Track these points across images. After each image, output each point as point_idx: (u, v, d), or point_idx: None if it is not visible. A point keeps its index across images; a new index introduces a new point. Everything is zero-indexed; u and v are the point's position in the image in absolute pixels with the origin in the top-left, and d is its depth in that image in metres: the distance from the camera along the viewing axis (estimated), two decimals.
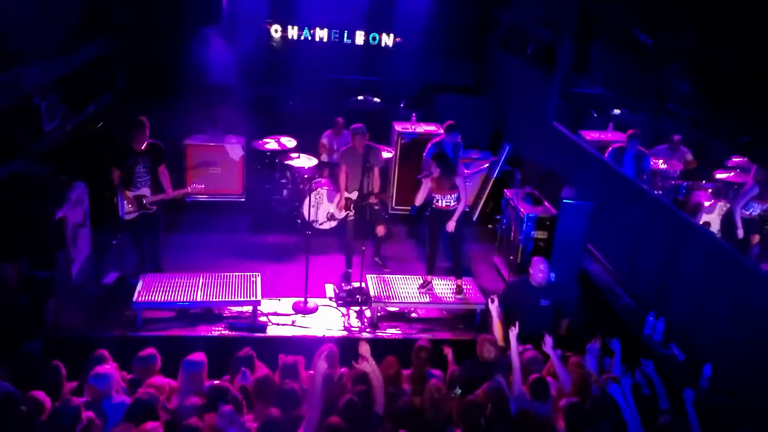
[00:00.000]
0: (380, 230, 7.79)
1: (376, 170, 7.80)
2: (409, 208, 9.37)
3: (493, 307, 6.18)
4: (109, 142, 7.86)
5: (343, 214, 7.75)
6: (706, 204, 8.01)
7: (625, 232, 7.39)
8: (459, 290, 7.29)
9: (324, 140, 9.72)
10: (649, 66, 8.22)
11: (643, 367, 5.11)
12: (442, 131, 8.67)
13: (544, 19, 9.18)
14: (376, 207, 7.83)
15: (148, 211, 7.22)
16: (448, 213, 7.14)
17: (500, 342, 5.62)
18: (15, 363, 4.93)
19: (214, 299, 6.81)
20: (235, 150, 9.50)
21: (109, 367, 4.77)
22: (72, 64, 8.16)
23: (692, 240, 6.36)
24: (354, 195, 7.69)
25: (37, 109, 7.09)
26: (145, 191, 7.17)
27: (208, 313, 6.87)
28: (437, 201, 7.18)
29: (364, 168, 7.63)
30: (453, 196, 7.10)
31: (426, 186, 7.16)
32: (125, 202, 7.09)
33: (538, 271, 6.31)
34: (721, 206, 7.86)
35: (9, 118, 6.54)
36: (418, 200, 7.31)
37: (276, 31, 10.93)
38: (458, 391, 4.94)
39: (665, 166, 8.77)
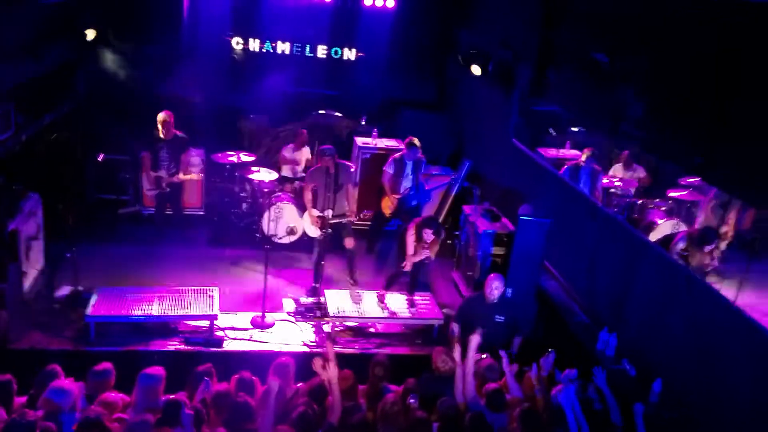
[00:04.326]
0: (349, 242, 7.79)
1: (350, 187, 7.85)
2: (369, 222, 9.41)
3: (454, 327, 6.32)
4: (68, 151, 7.89)
5: (319, 233, 7.72)
6: (659, 222, 8.23)
7: (581, 250, 7.53)
8: (411, 304, 7.35)
9: (285, 153, 9.71)
10: (604, 87, 8.43)
11: (594, 378, 5.21)
12: (403, 147, 8.75)
13: (504, 40, 9.36)
14: (345, 221, 7.83)
15: (164, 191, 8.33)
16: None
17: (458, 359, 5.67)
18: None
19: (170, 313, 6.72)
20: (193, 162, 9.41)
21: (67, 382, 4.66)
22: (29, 72, 8.02)
23: (645, 257, 6.51)
24: (328, 213, 7.65)
25: None
26: (163, 174, 8.28)
27: (164, 328, 6.77)
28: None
29: (335, 187, 7.62)
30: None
31: (411, 243, 7.32)
32: (147, 182, 8.42)
33: (492, 288, 6.41)
34: (674, 224, 8.09)
35: None
36: (408, 265, 7.43)
37: (237, 43, 10.90)
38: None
39: (620, 183, 8.99)
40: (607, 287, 6.96)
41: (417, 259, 7.35)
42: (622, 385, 5.63)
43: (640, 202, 8.79)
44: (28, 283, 7.00)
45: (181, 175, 8.43)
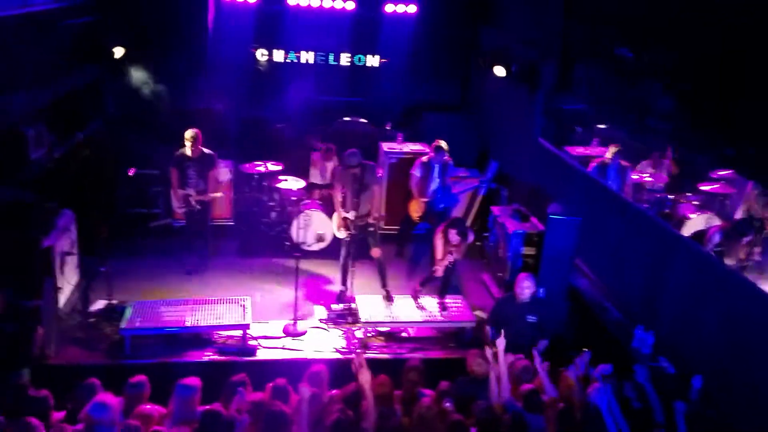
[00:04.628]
0: (375, 252, 7.75)
1: (375, 188, 7.81)
2: (397, 227, 9.41)
3: (488, 329, 6.30)
4: (99, 167, 8.02)
5: (344, 234, 7.73)
6: (692, 216, 8.08)
7: (612, 247, 7.44)
8: (443, 308, 7.31)
9: (314, 158, 9.76)
10: (630, 82, 8.33)
11: (635, 376, 5.12)
12: (430, 150, 8.73)
13: (527, 39, 9.30)
14: (372, 228, 7.82)
15: (193, 209, 8.20)
16: None
17: (492, 361, 5.62)
18: (2, 392, 4.88)
19: (203, 324, 6.78)
20: (222, 173, 9.51)
21: (109, 397, 4.71)
22: (60, 92, 8.20)
23: (679, 252, 6.40)
24: (351, 215, 7.63)
25: (23, 136, 7.10)
26: (191, 191, 8.18)
27: (198, 338, 6.84)
28: None
29: (360, 188, 7.56)
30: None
31: (441, 248, 7.30)
32: (176, 200, 8.38)
33: (523, 288, 6.35)
34: (707, 218, 7.94)
35: None
36: (439, 270, 7.38)
37: (262, 55, 11.01)
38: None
39: (650, 179, 8.85)
40: (640, 284, 6.86)
41: (445, 262, 7.31)
42: (661, 383, 5.52)
43: (671, 197, 8.65)
44: (63, 298, 7.13)
45: (209, 195, 8.31)
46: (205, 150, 8.23)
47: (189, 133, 8.08)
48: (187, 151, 8.08)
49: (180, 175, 8.19)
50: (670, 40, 7.47)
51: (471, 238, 7.47)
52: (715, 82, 6.63)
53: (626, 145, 8.55)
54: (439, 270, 7.33)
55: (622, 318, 6.94)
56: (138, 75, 10.01)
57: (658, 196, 8.63)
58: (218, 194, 8.65)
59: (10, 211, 6.48)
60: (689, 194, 8.64)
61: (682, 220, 8.09)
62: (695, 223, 7.93)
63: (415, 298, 7.47)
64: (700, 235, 7.07)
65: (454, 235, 7.16)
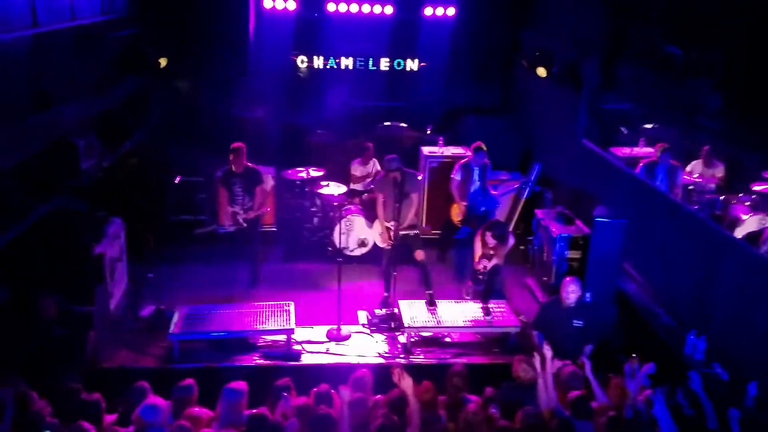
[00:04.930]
0: (419, 254, 7.73)
1: (414, 197, 7.77)
2: (439, 231, 9.37)
3: (535, 334, 6.22)
4: (146, 176, 8.14)
5: (386, 244, 7.73)
6: (744, 217, 7.83)
7: (661, 250, 7.25)
8: (487, 312, 7.25)
9: (354, 172, 9.78)
10: (677, 80, 8.14)
11: (690, 382, 4.99)
12: (469, 153, 8.67)
13: (571, 38, 9.17)
14: (414, 234, 7.81)
15: (241, 227, 8.02)
16: None
17: (539, 367, 5.53)
18: (56, 396, 5.02)
19: (248, 329, 6.86)
20: (266, 181, 9.61)
21: (159, 399, 4.81)
22: (108, 102, 8.41)
23: (731, 255, 6.21)
24: (392, 225, 7.60)
25: (74, 147, 7.30)
26: (238, 209, 8.06)
27: (243, 343, 6.92)
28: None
29: (401, 195, 7.53)
30: None
31: (478, 249, 7.29)
32: (224, 218, 8.08)
33: (569, 292, 6.25)
34: (760, 219, 7.69)
35: (47, 156, 6.75)
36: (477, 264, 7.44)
37: (302, 62, 11.11)
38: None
39: (700, 180, 8.62)
40: (691, 287, 6.67)
41: (480, 266, 7.24)
42: (715, 389, 5.36)
43: (722, 197, 8.39)
44: (113, 303, 7.31)
45: (255, 211, 8.20)
46: (250, 165, 8.13)
47: (233, 148, 7.97)
48: (233, 166, 7.98)
49: (227, 193, 8.09)
50: (719, 36, 7.30)
51: (511, 241, 7.39)
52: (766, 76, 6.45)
53: (675, 145, 8.35)
54: (480, 265, 7.28)
55: (672, 323, 6.76)
56: (182, 84, 10.22)
57: (709, 197, 8.39)
58: (264, 210, 8.56)
59: (63, 219, 6.67)
60: (741, 195, 8.38)
61: (734, 222, 7.85)
62: (748, 224, 7.69)
63: (467, 295, 7.40)
64: (753, 237, 6.85)
65: (490, 238, 7.11)
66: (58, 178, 7.01)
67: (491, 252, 7.19)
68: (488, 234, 7.13)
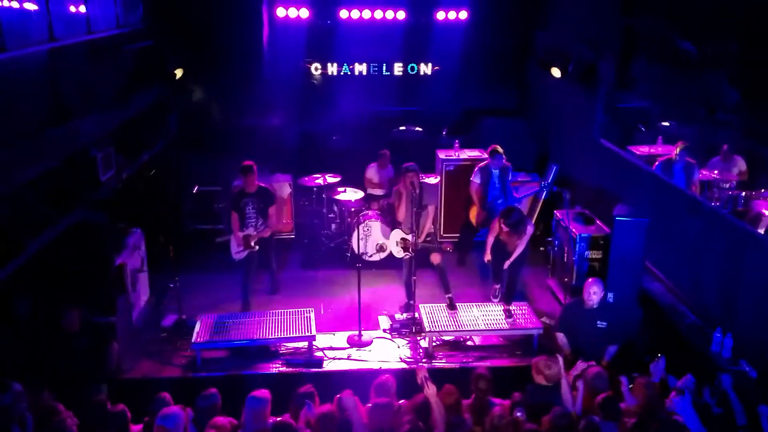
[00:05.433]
0: (435, 258, 7.69)
1: (431, 209, 7.74)
2: (457, 235, 9.33)
3: (559, 336, 6.18)
4: (164, 186, 8.13)
5: (404, 254, 7.71)
6: (767, 213, 7.72)
7: (683, 247, 7.17)
8: (509, 315, 7.20)
9: (370, 176, 9.77)
10: (694, 76, 8.06)
11: (720, 382, 4.91)
12: (487, 155, 8.64)
13: (585, 38, 9.12)
14: (429, 239, 7.79)
15: (253, 250, 7.59)
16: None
17: (562, 369, 5.45)
18: (81, 408, 5.04)
19: (270, 336, 6.87)
20: (283, 188, 9.64)
21: (175, 408, 4.83)
22: (125, 115, 8.48)
23: (756, 251, 6.12)
24: (411, 237, 7.55)
25: (93, 160, 7.37)
26: (251, 231, 7.64)
27: (265, 351, 6.92)
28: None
29: (419, 206, 7.47)
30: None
31: (493, 235, 7.22)
32: (235, 243, 7.61)
33: (591, 293, 6.17)
34: None
35: (67, 169, 6.81)
36: (487, 256, 7.45)
37: (316, 69, 11.15)
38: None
39: (719, 176, 8.51)
40: (715, 285, 6.59)
41: (487, 257, 7.33)
42: (743, 387, 5.28)
43: (743, 193, 8.28)
44: (135, 314, 7.34)
45: (269, 230, 7.74)
46: (262, 184, 7.79)
47: (243, 168, 7.57)
48: (244, 186, 7.63)
49: (240, 216, 7.66)
50: (734, 30, 7.22)
51: (529, 230, 7.28)
52: None
53: (695, 142, 8.26)
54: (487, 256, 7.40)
55: (698, 321, 6.67)
56: (198, 94, 10.29)
57: (730, 193, 8.28)
58: (284, 223, 8.36)
59: (83, 232, 6.72)
60: (764, 190, 8.25)
61: (757, 217, 7.73)
62: None
63: (495, 298, 7.42)
64: None
65: (502, 224, 7.04)
66: (78, 191, 7.08)
67: (506, 239, 7.09)
68: (501, 221, 7.05)
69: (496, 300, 7.58)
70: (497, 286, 7.67)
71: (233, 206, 7.69)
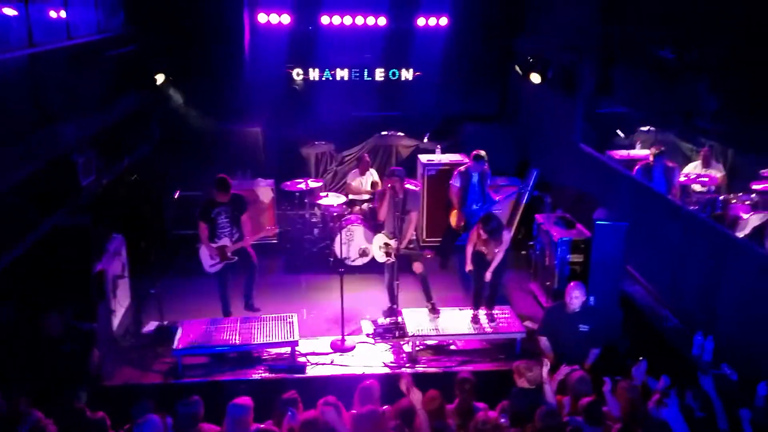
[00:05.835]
0: (417, 267, 7.69)
1: (414, 215, 7.74)
2: (439, 239, 9.36)
3: (542, 340, 6.19)
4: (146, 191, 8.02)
5: (386, 259, 7.71)
6: (745, 216, 7.84)
7: (663, 251, 7.26)
8: (491, 319, 7.21)
9: (351, 182, 9.76)
10: (673, 82, 8.17)
11: (701, 383, 4.96)
12: (468, 160, 8.68)
13: (564, 43, 9.21)
14: (412, 246, 7.80)
15: (230, 261, 7.37)
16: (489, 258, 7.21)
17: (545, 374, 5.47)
18: (61, 415, 4.97)
19: (252, 342, 6.83)
20: (265, 193, 9.61)
21: (154, 416, 4.78)
22: (106, 119, 8.40)
23: (734, 254, 6.21)
24: (394, 242, 7.57)
25: (74, 164, 7.29)
26: (226, 242, 7.35)
27: (247, 357, 6.88)
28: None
29: (402, 211, 7.48)
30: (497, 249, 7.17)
31: (472, 243, 7.22)
32: (208, 255, 7.34)
33: (572, 297, 6.22)
34: (761, 217, 7.69)
35: (47, 174, 6.73)
36: (468, 266, 7.38)
37: (298, 74, 11.14)
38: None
39: (697, 181, 8.63)
40: (695, 288, 6.67)
41: (468, 266, 7.29)
42: (724, 390, 5.34)
43: (722, 197, 8.41)
44: (116, 320, 7.27)
45: (248, 239, 7.46)
46: (234, 192, 7.47)
47: (217, 179, 7.29)
48: (216, 196, 7.30)
49: (210, 226, 7.32)
50: (714, 37, 7.31)
51: (506, 236, 7.29)
52: (764, 76, 6.46)
53: (674, 147, 8.38)
54: (468, 266, 7.33)
55: (679, 324, 6.75)
56: (179, 99, 10.23)
57: (708, 197, 8.41)
58: (263, 234, 8.09)
59: (64, 237, 6.64)
60: (741, 194, 8.39)
61: (735, 221, 7.85)
62: (750, 223, 7.69)
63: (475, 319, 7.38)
64: (756, 235, 6.85)
65: (481, 230, 7.06)
66: (59, 196, 7.00)
67: (483, 246, 7.12)
68: (480, 226, 7.08)
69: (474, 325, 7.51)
70: (476, 312, 7.59)
71: (202, 216, 7.32)
